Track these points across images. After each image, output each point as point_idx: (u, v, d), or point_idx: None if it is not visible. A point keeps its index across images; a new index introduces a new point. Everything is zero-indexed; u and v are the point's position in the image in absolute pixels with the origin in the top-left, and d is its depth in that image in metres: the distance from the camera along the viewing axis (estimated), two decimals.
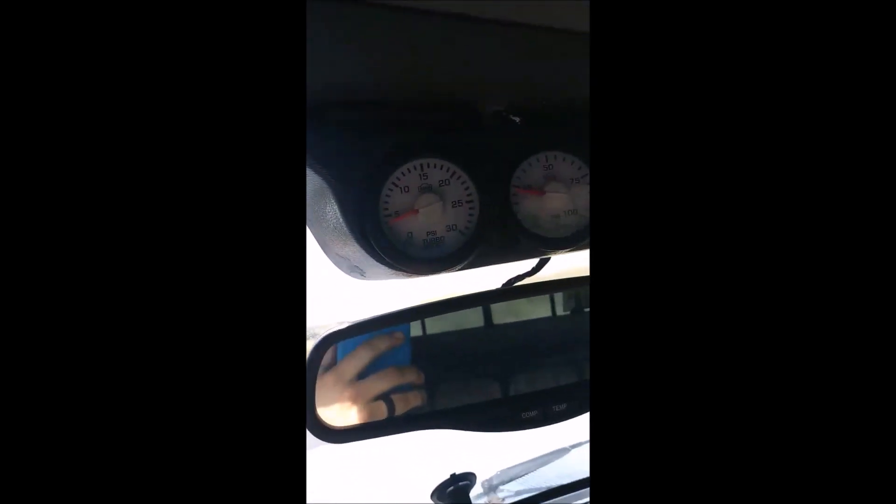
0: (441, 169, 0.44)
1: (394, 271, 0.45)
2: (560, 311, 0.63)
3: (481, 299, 0.55)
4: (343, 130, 0.43)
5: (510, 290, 0.55)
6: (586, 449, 1.08)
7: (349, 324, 0.50)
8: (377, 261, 0.44)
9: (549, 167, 0.48)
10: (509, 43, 0.35)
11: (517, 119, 0.51)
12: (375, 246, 0.43)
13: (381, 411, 0.54)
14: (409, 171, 0.44)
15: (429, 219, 0.43)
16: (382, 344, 0.54)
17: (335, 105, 0.43)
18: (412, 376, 0.56)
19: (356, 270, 0.52)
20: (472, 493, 0.86)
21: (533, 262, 0.55)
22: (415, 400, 0.56)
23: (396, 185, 0.43)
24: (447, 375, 0.58)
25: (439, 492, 0.86)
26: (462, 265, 0.44)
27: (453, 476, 0.86)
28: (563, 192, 0.47)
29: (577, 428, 0.58)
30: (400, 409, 0.55)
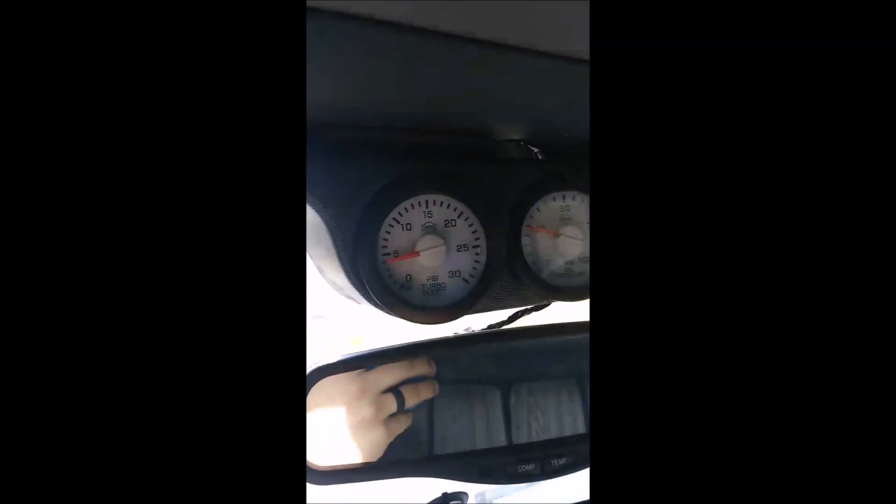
0: (448, 208, 0.40)
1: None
2: None
3: (482, 339, 0.51)
4: (341, 157, 0.38)
5: (516, 332, 0.51)
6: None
7: (337, 359, 0.46)
8: (370, 303, 0.40)
9: (567, 208, 0.44)
10: (535, 68, 0.30)
11: (536, 150, 0.46)
12: (369, 288, 0.39)
13: (391, 405, 0.51)
14: (413, 208, 0.39)
15: (431, 263, 0.39)
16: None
17: (333, 127, 0.39)
18: (423, 367, 0.52)
19: (352, 299, 0.48)
20: None
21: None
22: (426, 392, 0.53)
23: (398, 222, 0.39)
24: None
25: None
26: (463, 316, 0.41)
27: (444, 495, 0.84)
28: (579, 238, 0.43)
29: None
30: (411, 402, 0.52)
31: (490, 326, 0.55)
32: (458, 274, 0.40)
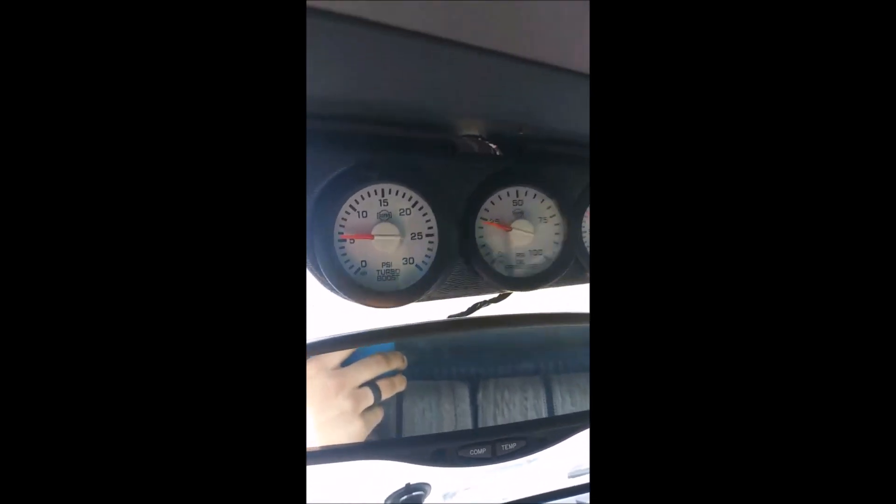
0: (403, 197, 0.42)
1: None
2: None
3: (443, 327, 0.53)
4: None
5: (477, 320, 0.53)
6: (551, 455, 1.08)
7: (311, 341, 0.48)
8: (325, 287, 0.42)
9: (520, 202, 0.45)
10: (495, 70, 0.32)
11: (493, 146, 0.48)
12: (324, 272, 0.40)
13: (368, 398, 0.53)
14: (369, 196, 0.41)
15: (385, 249, 0.41)
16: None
17: None
18: (397, 362, 0.55)
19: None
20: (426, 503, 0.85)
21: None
22: (400, 384, 0.55)
23: (354, 209, 0.41)
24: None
25: (392, 498, 0.85)
26: (415, 301, 0.42)
27: (408, 486, 0.85)
28: (530, 231, 0.45)
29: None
30: (386, 394, 0.53)
31: (450, 316, 0.57)
32: (411, 261, 0.42)
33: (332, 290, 0.41)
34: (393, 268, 0.42)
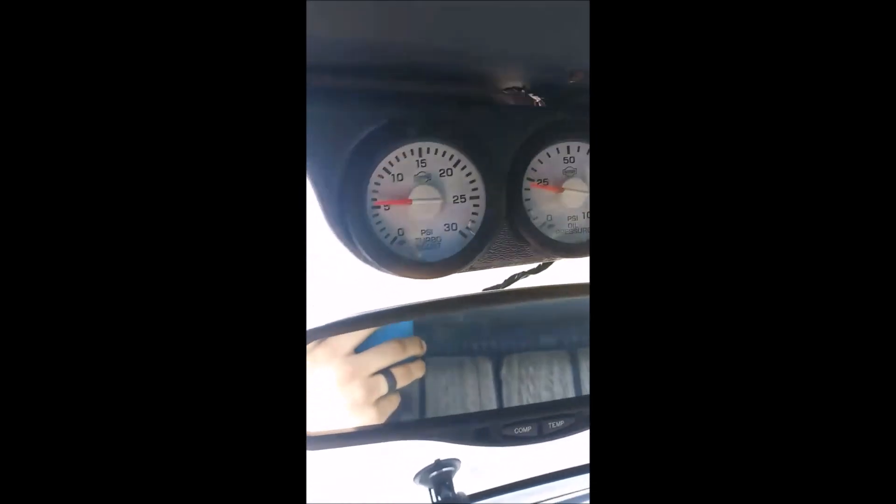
0: (443, 156, 0.37)
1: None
2: None
3: (475, 301, 0.49)
4: (327, 102, 0.35)
5: (508, 294, 0.49)
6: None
7: (328, 322, 0.44)
8: (359, 258, 0.38)
9: (570, 160, 0.41)
10: (536, 6, 0.27)
11: (538, 99, 0.43)
12: (357, 242, 0.36)
13: (381, 386, 0.50)
14: (405, 156, 0.37)
15: (424, 215, 0.36)
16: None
17: (318, 71, 0.36)
18: (415, 347, 0.51)
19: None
20: (456, 479, 0.83)
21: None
22: (418, 371, 0.52)
23: (388, 172, 0.36)
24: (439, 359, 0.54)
25: (422, 475, 0.84)
26: (458, 271, 0.38)
27: (437, 462, 0.84)
28: (583, 190, 0.40)
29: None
30: (402, 382, 0.51)
31: (485, 289, 0.53)
32: (454, 227, 0.38)
33: (367, 262, 0.38)
34: (434, 235, 0.37)
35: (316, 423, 0.47)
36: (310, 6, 0.25)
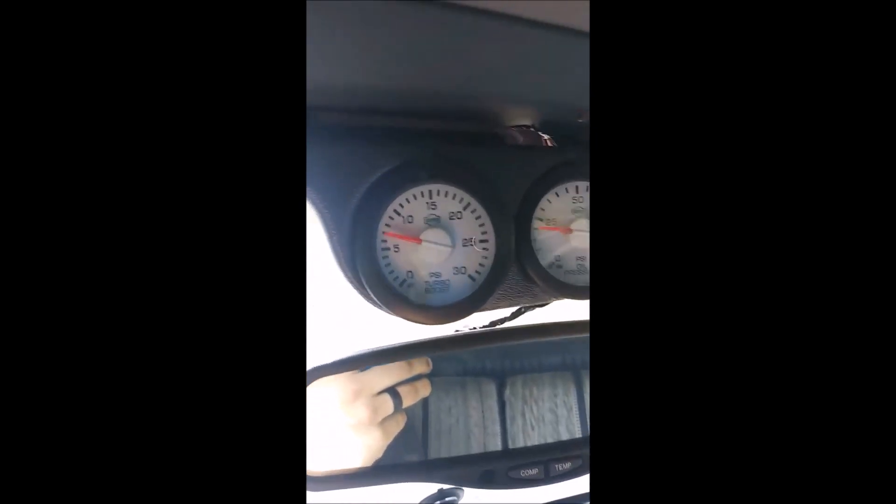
0: (453, 199, 0.37)
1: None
2: None
3: (481, 340, 0.49)
4: (338, 142, 0.35)
5: (514, 331, 0.48)
6: None
7: (333, 360, 0.44)
8: (367, 301, 0.37)
9: (580, 199, 0.40)
10: (546, 45, 0.27)
11: (547, 137, 0.43)
12: (367, 285, 0.36)
13: (387, 406, 0.49)
14: (415, 198, 0.36)
15: (434, 258, 0.36)
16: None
17: (329, 111, 0.35)
18: (421, 366, 0.50)
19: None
20: None
21: None
22: (424, 389, 0.51)
23: (399, 214, 0.36)
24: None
25: (428, 500, 0.83)
26: (466, 317, 0.38)
27: (440, 491, 0.82)
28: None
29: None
30: (408, 401, 0.49)
31: (492, 323, 0.52)
32: (463, 271, 0.37)
33: (374, 304, 0.37)
34: (443, 278, 0.37)
35: (318, 458, 0.46)
36: (324, 49, 0.25)
